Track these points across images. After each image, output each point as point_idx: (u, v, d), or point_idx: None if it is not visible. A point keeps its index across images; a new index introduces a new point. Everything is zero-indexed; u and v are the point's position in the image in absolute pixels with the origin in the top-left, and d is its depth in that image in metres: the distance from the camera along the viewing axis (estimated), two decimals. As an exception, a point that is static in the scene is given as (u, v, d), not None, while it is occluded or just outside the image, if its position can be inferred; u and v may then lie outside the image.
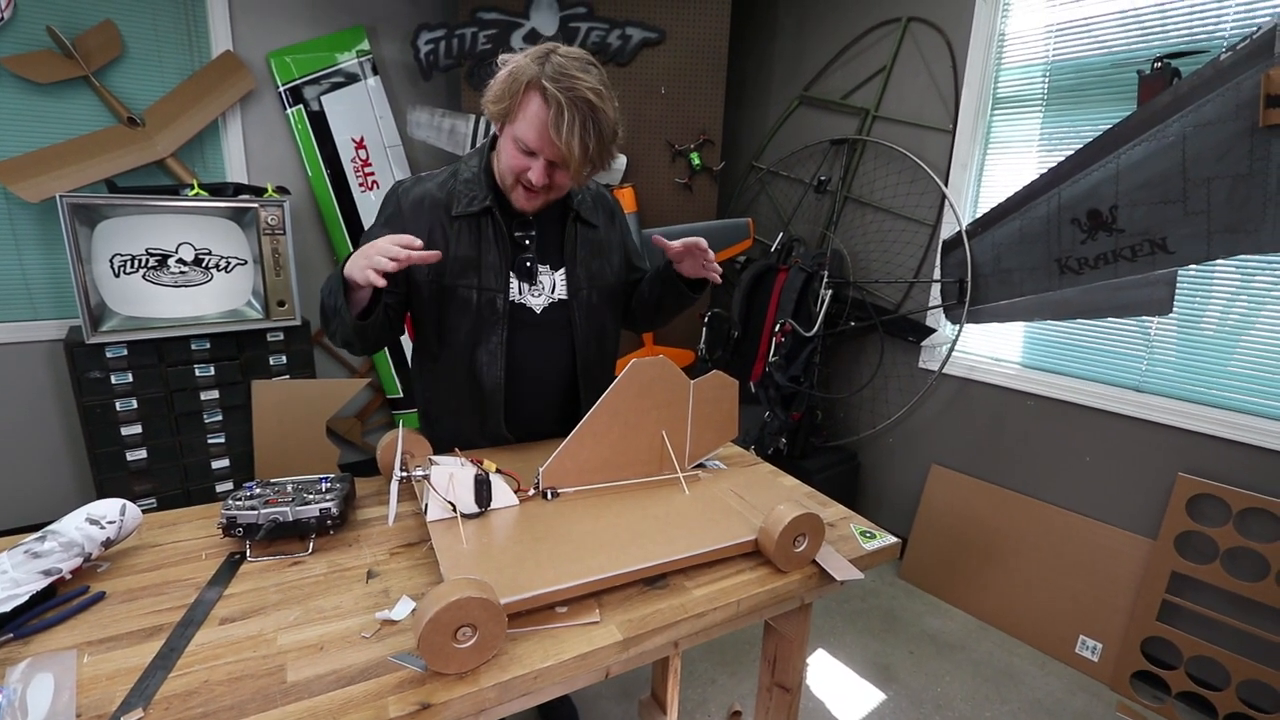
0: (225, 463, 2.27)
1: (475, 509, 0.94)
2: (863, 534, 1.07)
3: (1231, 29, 1.79)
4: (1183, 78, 1.75)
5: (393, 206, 1.18)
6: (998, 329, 2.36)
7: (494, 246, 1.17)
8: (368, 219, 2.78)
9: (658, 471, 1.13)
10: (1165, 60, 1.79)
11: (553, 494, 1.02)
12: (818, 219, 2.84)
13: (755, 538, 0.95)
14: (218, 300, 2.17)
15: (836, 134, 2.71)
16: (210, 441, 2.22)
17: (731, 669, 2.00)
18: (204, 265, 2.14)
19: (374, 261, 0.93)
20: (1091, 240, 1.95)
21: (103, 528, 0.86)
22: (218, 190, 2.20)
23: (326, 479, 1.00)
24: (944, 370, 2.40)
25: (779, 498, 1.10)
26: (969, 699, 1.95)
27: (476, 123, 2.63)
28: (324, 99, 2.63)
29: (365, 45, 2.70)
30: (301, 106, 2.59)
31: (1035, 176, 2.06)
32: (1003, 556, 2.30)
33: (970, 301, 2.27)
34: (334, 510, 0.93)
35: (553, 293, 1.23)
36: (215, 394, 2.20)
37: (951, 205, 2.33)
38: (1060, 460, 2.19)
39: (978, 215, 2.29)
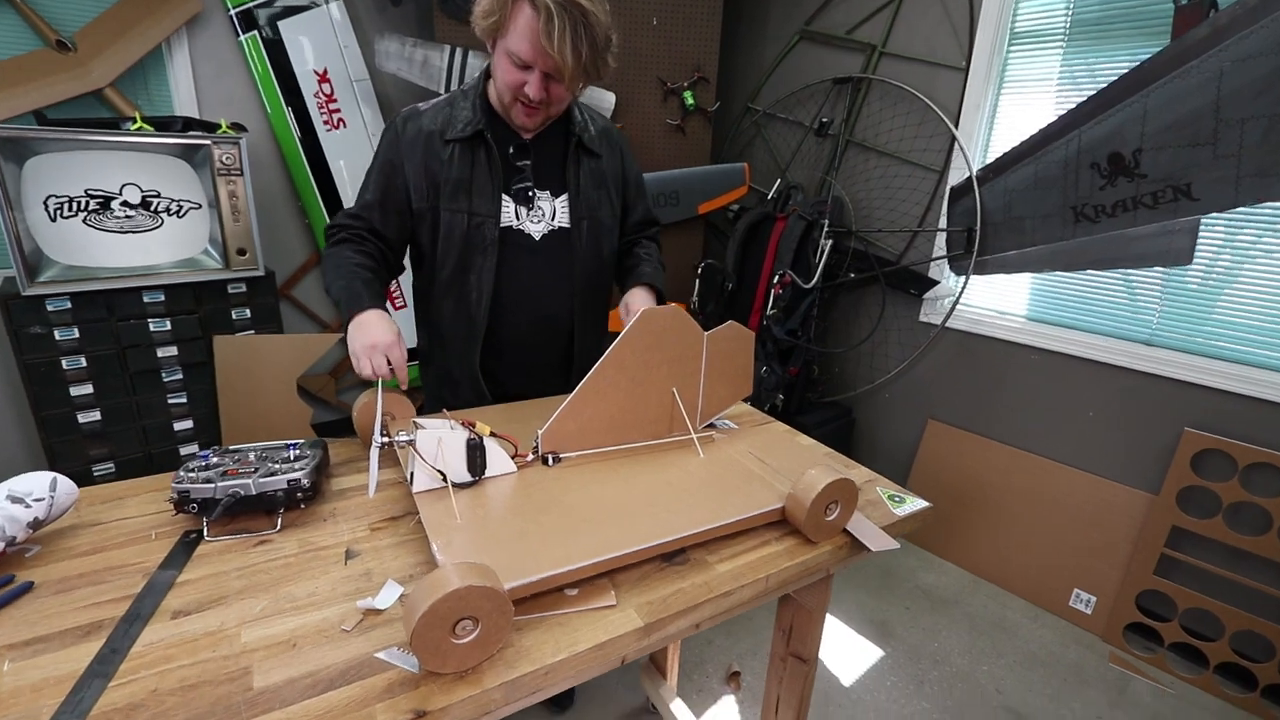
0: (189, 424, 2.12)
1: (468, 477, 0.83)
2: (891, 498, 0.99)
3: (1276, -47, 1.66)
4: (1220, 9, 1.62)
5: (391, 137, 1.14)
6: (1003, 281, 2.27)
7: (486, 170, 1.12)
8: (335, 161, 2.56)
9: (667, 433, 1.02)
10: (1205, -14, 1.66)
11: (554, 459, 0.92)
12: (817, 164, 2.69)
13: (782, 506, 0.85)
14: (170, 248, 1.98)
15: (840, 72, 2.54)
16: (171, 401, 2.06)
17: (728, 628, 1.96)
18: (152, 209, 1.94)
19: (378, 364, 0.95)
20: (1111, 186, 1.85)
21: (28, 506, 0.73)
22: (164, 125, 1.98)
23: (294, 445, 0.88)
24: (946, 324, 2.32)
25: (801, 460, 1.01)
26: (965, 653, 1.94)
27: (451, 55, 2.41)
28: (280, 25, 2.37)
29: (324, -36, 2.43)
30: (256, 33, 2.34)
31: (1053, 118, 1.94)
32: (998, 511, 2.28)
33: (978, 252, 2.17)
34: (304, 481, 0.81)
35: (553, 220, 1.18)
36: (173, 350, 2.03)
37: (962, 149, 2.20)
38: (1062, 415, 2.14)
39: (988, 160, 2.17)
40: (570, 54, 0.96)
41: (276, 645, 0.61)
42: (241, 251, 2.07)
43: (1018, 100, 2.15)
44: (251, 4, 2.34)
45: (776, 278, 2.34)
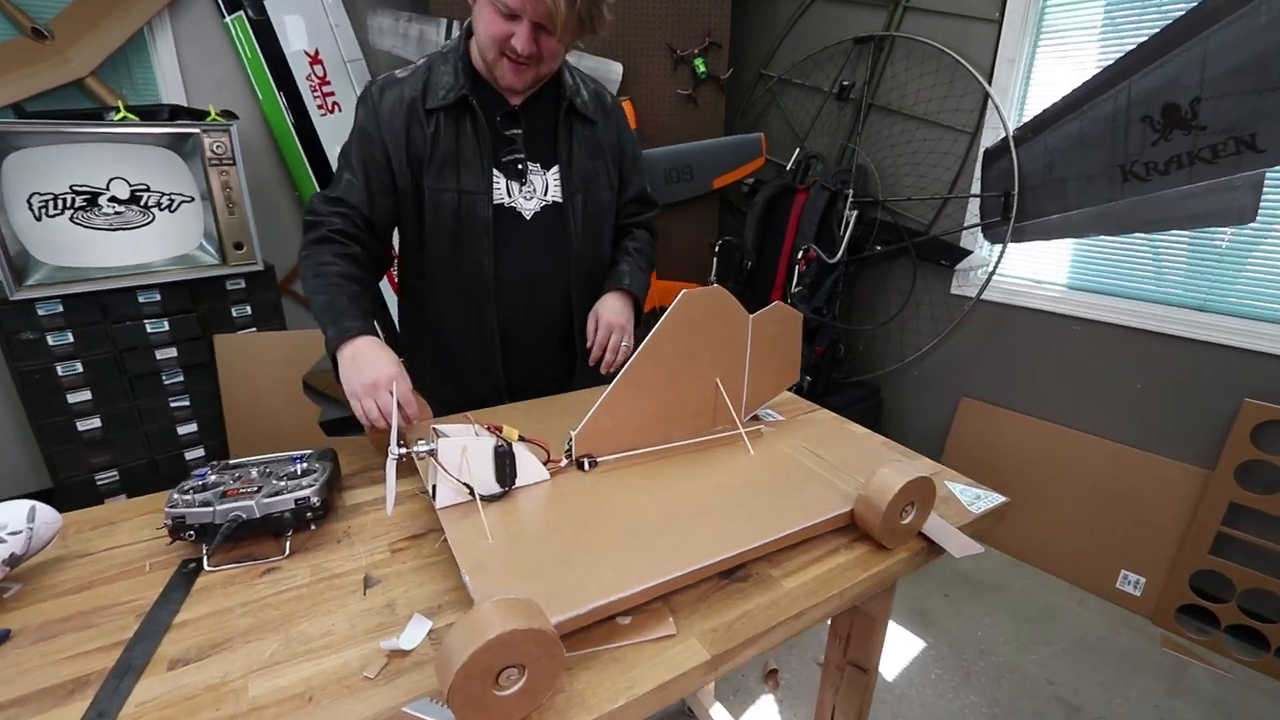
0: (193, 427, 2.04)
1: (497, 489, 0.74)
2: (964, 493, 0.89)
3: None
4: (1289, -62, 1.48)
5: (366, 109, 1.01)
6: (1040, 248, 2.15)
7: (473, 142, 1.00)
8: (332, 146, 2.44)
9: (710, 428, 0.92)
10: (1275, -86, 1.51)
11: (590, 463, 0.82)
12: (837, 131, 2.56)
13: (851, 509, 0.76)
14: (164, 245, 1.88)
15: (860, 31, 2.39)
16: (173, 405, 1.98)
17: (763, 622, 1.88)
18: (143, 204, 1.84)
19: (384, 404, 0.84)
20: (1165, 141, 1.72)
21: (3, 540, 0.64)
22: (150, 115, 1.87)
23: (300, 457, 0.79)
24: (981, 295, 2.20)
25: (861, 453, 0.91)
26: (1011, 641, 1.86)
27: (449, 28, 2.28)
28: (267, 5, 2.24)
29: (310, -64, 2.29)
30: (242, 13, 2.21)
31: (1097, 70, 1.81)
32: (1039, 491, 2.18)
33: (1016, 217, 2.04)
34: (314, 499, 0.72)
35: (545, 194, 1.06)
36: (173, 352, 1.94)
37: (997, 108, 2.06)
38: (1107, 389, 2.03)
39: (1025, 119, 2.04)
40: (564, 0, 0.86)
41: (290, 700, 0.53)
42: (239, 245, 1.97)
43: (1057, 53, 2.01)
44: (233, -18, 2.21)
45: (801, 253, 2.22)
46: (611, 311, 1.09)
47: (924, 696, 1.66)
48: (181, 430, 2.01)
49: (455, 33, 2.26)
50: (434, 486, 0.74)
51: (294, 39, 2.31)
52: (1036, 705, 1.63)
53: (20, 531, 0.65)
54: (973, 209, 2.20)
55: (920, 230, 2.35)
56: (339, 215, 1.00)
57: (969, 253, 2.24)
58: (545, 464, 0.79)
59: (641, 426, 0.86)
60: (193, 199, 1.89)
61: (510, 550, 0.65)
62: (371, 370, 0.85)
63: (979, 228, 2.18)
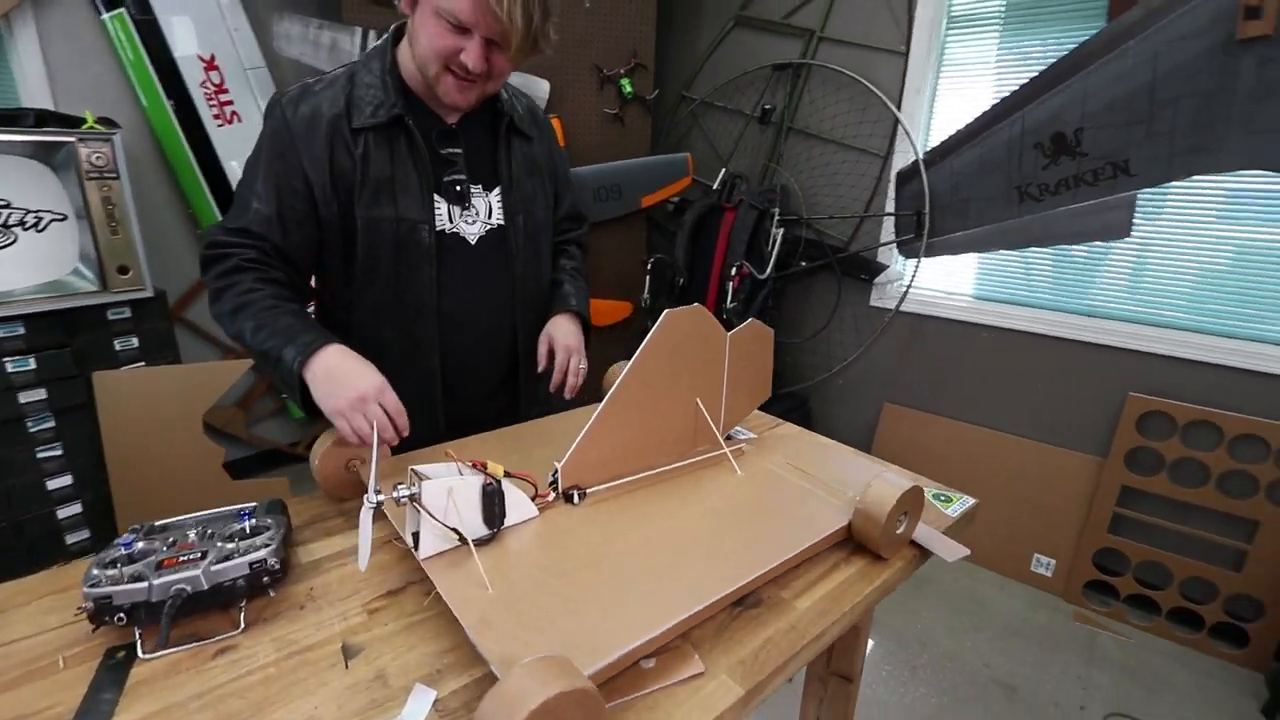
0: (67, 480, 1.76)
1: (484, 531, 0.68)
2: (937, 497, 0.92)
3: (1188, -60, 1.75)
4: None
5: (277, 125, 0.90)
6: (949, 262, 2.32)
7: (410, 165, 0.92)
8: (230, 159, 2.23)
9: (691, 450, 0.90)
10: (1135, -30, 1.73)
11: (580, 495, 0.77)
12: (758, 152, 2.65)
13: (847, 524, 0.76)
14: (28, 270, 1.63)
15: (778, 58, 2.50)
16: (41, 456, 1.70)
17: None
18: (2, 222, 1.58)
19: (375, 416, 0.77)
20: (1054, 165, 1.91)
21: None
22: (10, 120, 1.62)
23: (246, 512, 0.69)
24: (900, 307, 2.34)
25: (841, 467, 0.93)
26: (948, 632, 1.96)
27: (365, 37, 2.15)
28: (153, 3, 2.02)
29: (201, -68, 2.10)
30: (123, 10, 1.98)
31: (991, 101, 1.99)
32: (958, 487, 2.31)
33: (928, 234, 2.19)
34: (271, 561, 0.63)
35: (489, 217, 1.00)
36: (41, 393, 1.67)
37: (908, 134, 2.22)
38: (1013, 389, 2.22)
39: (931, 144, 2.20)
40: (521, 15, 0.80)
41: (279, 808, 0.44)
42: (123, 270, 1.74)
43: (957, 84, 2.19)
44: (110, -24, 1.97)
45: (734, 270, 2.27)
46: (565, 334, 1.05)
47: (878, 694, 1.71)
48: (52, 485, 1.73)
49: (372, 41, 2.15)
50: (414, 535, 0.67)
51: (184, 42, 2.10)
52: (977, 690, 1.73)
53: (-116, 634, 0.52)
54: (888, 226, 2.34)
55: (841, 246, 2.47)
56: (248, 246, 0.88)
57: (886, 267, 2.38)
58: (534, 500, 0.74)
59: (627, 453, 0.82)
60: (65, 217, 1.65)
61: (514, 600, 0.60)
62: (355, 382, 0.78)
63: (894, 244, 2.33)
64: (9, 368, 1.62)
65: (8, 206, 1.58)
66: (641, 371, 0.80)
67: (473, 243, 0.99)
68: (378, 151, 0.90)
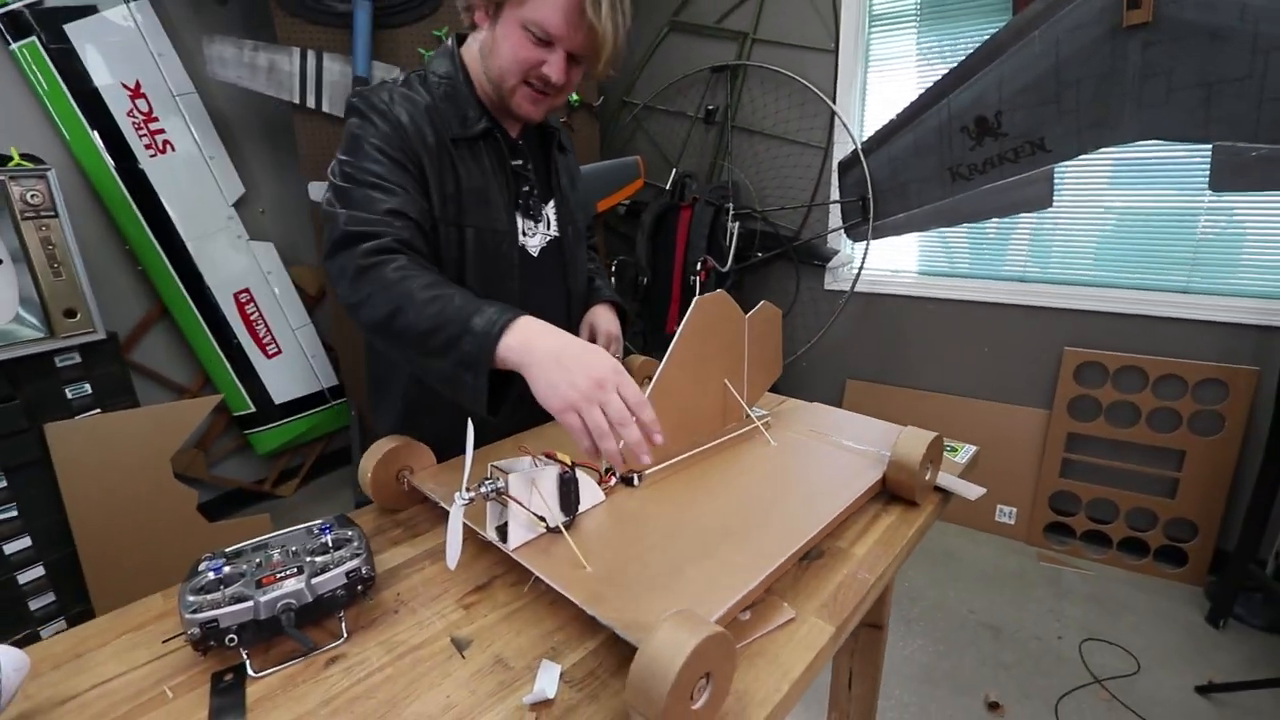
0: (25, 543, 1.62)
1: (563, 518, 0.71)
2: (945, 449, 1.01)
3: (1076, -60, 1.97)
4: (1045, -13, 1.90)
5: (393, 127, 0.85)
6: (894, 242, 2.48)
7: (497, 178, 0.93)
8: (165, 190, 2.12)
9: (722, 428, 0.96)
10: (1035, -32, 1.92)
11: (638, 478, 0.81)
12: (705, 151, 2.75)
13: (882, 476, 0.83)
14: (-38, 321, 1.51)
15: (715, 60, 2.61)
16: (-6, 520, 1.57)
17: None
18: (-75, 273, 1.46)
19: (598, 424, 0.63)
20: (979, 146, 2.08)
21: (-39, 703, 0.48)
22: (-80, 161, 1.50)
23: (326, 526, 0.69)
24: (854, 289, 2.49)
25: (854, 428, 1.01)
26: (932, 585, 2.10)
27: (304, 58, 2.10)
28: (68, 29, 1.90)
29: (116, -46, 1.99)
30: (34, 39, 1.85)
31: (917, 92, 2.15)
32: (923, 452, 2.50)
33: (873, 218, 2.34)
34: (364, 570, 0.64)
35: (548, 229, 1.03)
36: (-12, 453, 1.55)
37: (845, 125, 2.36)
38: (962, 355, 2.40)
39: (867, 133, 2.36)
40: (612, 30, 0.80)
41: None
42: (70, 313, 1.63)
43: (884, 77, 2.36)
44: (16, 4, 1.84)
45: (699, 265, 2.35)
46: (607, 322, 1.09)
47: (880, 652, 1.81)
48: (10, 549, 1.59)
49: (311, 62, 2.10)
50: (498, 528, 0.69)
51: (104, 70, 1.98)
52: (968, 634, 1.86)
53: (-15, 686, 0.50)
54: (835, 214, 2.48)
55: (794, 235, 2.60)
56: (403, 227, 0.82)
57: (837, 252, 2.52)
58: (599, 485, 0.77)
59: (674, 435, 0.86)
60: (1, 261, 1.54)
61: (614, 575, 0.63)
62: (590, 362, 0.64)
63: (842, 230, 2.47)
64: (-52, 429, 1.49)
65: (-66, 254, 1.46)
66: (680, 359, 0.84)
67: (535, 255, 1.01)
68: (471, 163, 0.91)
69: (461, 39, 0.96)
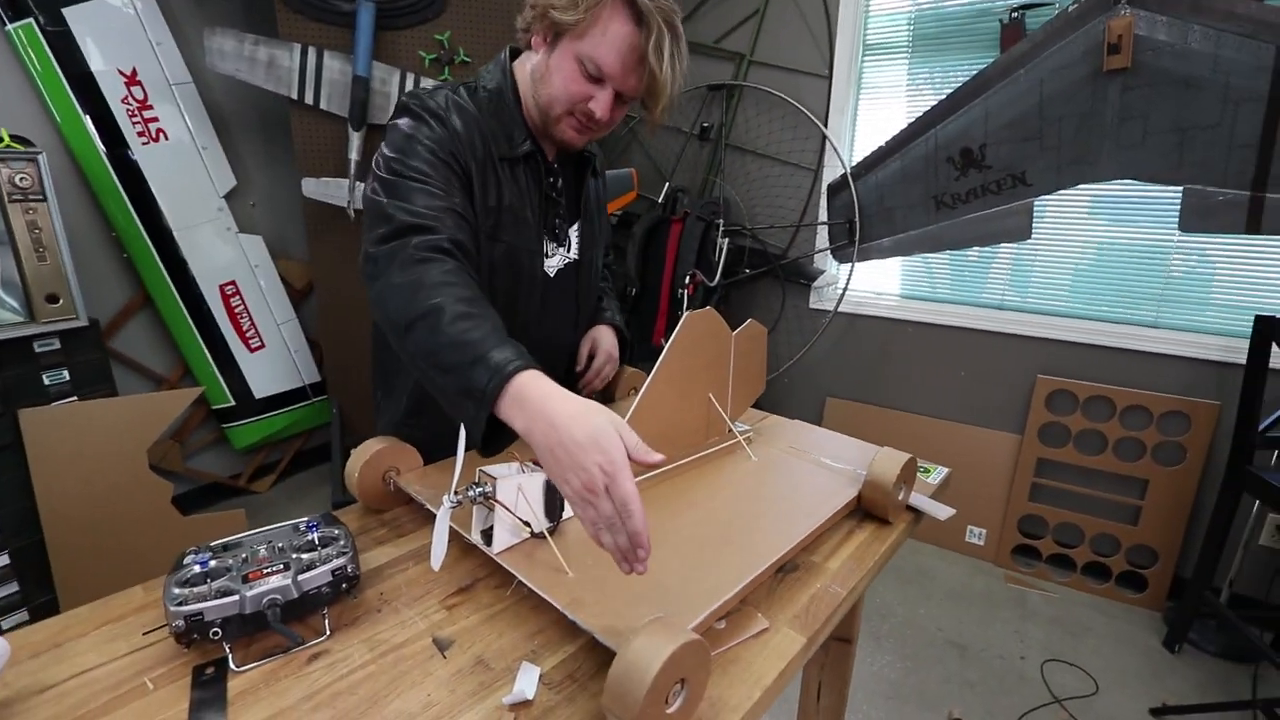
0: (-8, 531, 1.60)
1: (548, 523, 0.72)
2: (919, 470, 1.05)
3: (1062, -16, 2.05)
4: (1029, 30, 1.97)
5: (447, 133, 0.86)
6: (878, 265, 2.54)
7: (533, 198, 0.95)
8: (156, 179, 2.10)
9: (704, 441, 0.98)
10: (1022, 10, 2.00)
11: (621, 487, 0.83)
12: (697, 167, 2.80)
13: (857, 494, 0.86)
14: (-60, 302, 1.48)
15: (713, 79, 2.66)
16: (-39, 506, 1.55)
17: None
18: (-95, 251, 1.44)
19: (605, 512, 0.56)
20: (964, 176, 2.15)
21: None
22: (-94, 139, 1.48)
23: (312, 524, 0.70)
24: (838, 309, 2.54)
25: (836, 448, 1.03)
26: (902, 602, 2.13)
27: (304, 54, 2.11)
28: (67, 14, 1.89)
29: (118, -59, 1.99)
30: (31, 21, 1.84)
31: (907, 120, 2.22)
32: (899, 471, 2.55)
33: (859, 240, 2.40)
34: (351, 568, 0.65)
35: (568, 252, 1.05)
36: (-41, 437, 1.52)
37: (835, 149, 2.42)
38: (939, 378, 2.45)
39: (855, 158, 2.42)
40: (670, 76, 0.84)
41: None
42: (53, 298, 1.61)
43: (875, 104, 2.42)
44: (15, -14, 1.83)
45: (688, 278, 2.38)
46: (610, 344, 1.12)
47: (849, 667, 1.84)
48: (-24, 537, 1.57)
49: (311, 59, 2.11)
50: (483, 532, 0.70)
51: (102, 55, 1.97)
52: (935, 651, 1.90)
53: (-32, 671, 0.50)
54: (822, 234, 2.54)
55: (781, 253, 2.64)
56: (456, 226, 0.82)
57: (823, 272, 2.57)
58: (583, 493, 0.79)
59: (657, 447, 0.88)
60: (-17, 244, 1.52)
61: (595, 580, 0.65)
62: (582, 463, 0.56)
63: (828, 250, 2.52)
64: (-80, 411, 1.46)
65: (-84, 233, 1.44)
66: (668, 373, 0.87)
67: (552, 276, 1.03)
68: (512, 182, 0.92)
69: (515, 53, 0.96)
